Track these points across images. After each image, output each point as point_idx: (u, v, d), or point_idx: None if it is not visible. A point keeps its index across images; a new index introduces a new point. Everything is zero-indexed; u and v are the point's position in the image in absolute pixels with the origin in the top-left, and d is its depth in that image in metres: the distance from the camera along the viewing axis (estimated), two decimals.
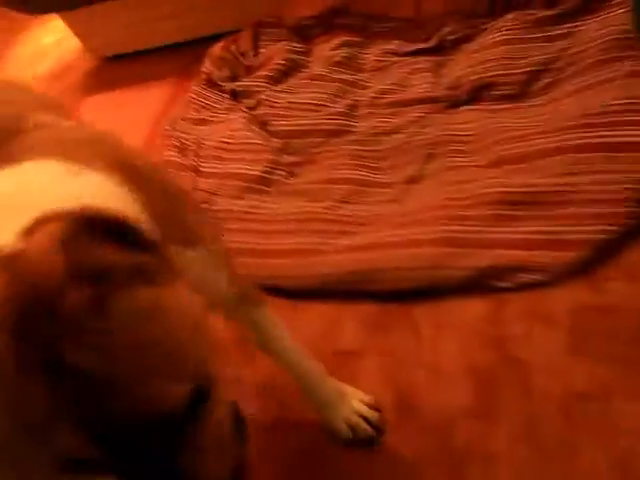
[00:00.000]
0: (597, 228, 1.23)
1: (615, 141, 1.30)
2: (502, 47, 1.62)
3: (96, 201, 0.62)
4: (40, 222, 0.56)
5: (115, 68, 2.62)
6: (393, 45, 1.83)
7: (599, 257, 1.23)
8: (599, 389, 1.08)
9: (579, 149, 1.32)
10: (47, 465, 0.54)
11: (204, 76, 2.02)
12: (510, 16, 1.67)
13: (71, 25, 2.39)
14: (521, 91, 1.54)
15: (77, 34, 2.44)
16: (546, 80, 1.53)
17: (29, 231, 0.55)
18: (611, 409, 1.05)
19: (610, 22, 1.50)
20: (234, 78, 1.99)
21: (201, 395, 0.59)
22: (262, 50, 2.01)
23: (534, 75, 1.55)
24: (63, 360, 0.51)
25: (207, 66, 2.04)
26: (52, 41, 3.06)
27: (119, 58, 2.60)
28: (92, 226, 0.53)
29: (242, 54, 2.03)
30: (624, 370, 1.09)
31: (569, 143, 1.34)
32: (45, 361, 0.51)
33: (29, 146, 0.71)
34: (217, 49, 2.06)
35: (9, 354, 0.51)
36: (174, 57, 2.41)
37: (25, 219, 0.57)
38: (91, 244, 0.53)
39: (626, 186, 1.25)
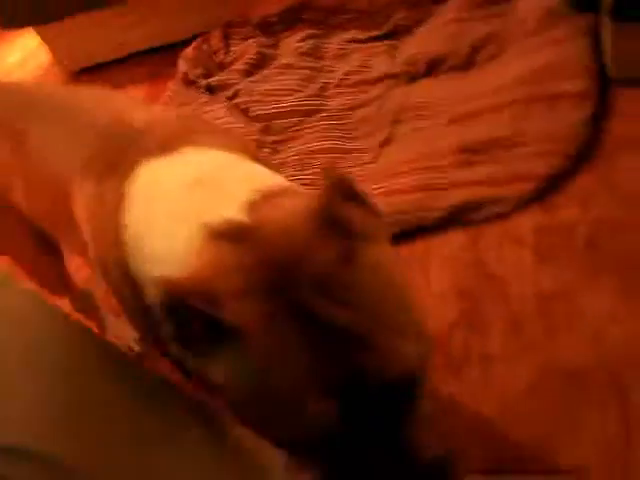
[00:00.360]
0: (545, 164, 1.42)
1: (554, 92, 1.50)
2: (449, 27, 1.81)
3: (271, 180, 0.66)
4: (264, 197, 0.59)
5: (85, 81, 2.68)
6: (351, 34, 2.01)
7: (551, 187, 1.42)
8: (564, 288, 1.26)
9: (524, 102, 1.52)
10: (291, 429, 0.53)
11: (180, 75, 2.15)
12: (453, 1, 1.87)
13: (45, 39, 2.46)
14: (469, 62, 1.74)
15: (50, 48, 2.51)
16: (489, 52, 1.73)
17: (254, 205, 0.59)
18: (576, 302, 1.23)
19: None
20: (208, 75, 2.12)
21: (424, 359, 0.57)
22: (232, 48, 2.15)
23: (478, 48, 1.74)
24: (317, 316, 0.51)
25: (182, 66, 2.16)
26: (17, 60, 3.09)
27: (88, 71, 2.66)
28: (338, 190, 0.55)
29: (214, 53, 2.16)
30: (582, 272, 1.27)
31: (515, 98, 1.54)
32: (298, 319, 0.51)
33: (168, 139, 0.72)
34: (190, 50, 2.19)
35: (262, 316, 0.51)
36: (143, 64, 2.50)
37: (236, 196, 0.60)
38: (338, 205, 0.55)
39: (566, 128, 1.45)
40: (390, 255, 0.58)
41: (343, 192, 0.56)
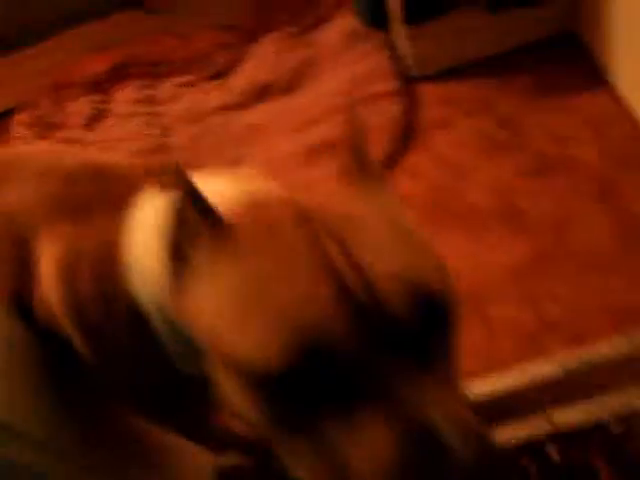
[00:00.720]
0: (380, 150, 1.63)
1: (373, 94, 1.73)
2: (269, 58, 2.00)
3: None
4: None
5: None
6: (180, 80, 2.12)
7: (389, 168, 1.62)
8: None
9: (349, 105, 1.73)
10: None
11: (18, 142, 2.11)
12: (269, 37, 2.08)
13: None
14: (293, 85, 1.93)
15: None
16: (309, 73, 1.94)
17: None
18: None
19: (344, 22, 1.97)
20: (46, 136, 2.11)
21: (450, 295, 0.53)
22: (66, 109, 2.16)
23: (299, 71, 1.95)
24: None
25: (18, 131, 2.13)
26: None
27: None
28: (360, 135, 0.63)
29: (48, 114, 2.15)
30: (431, 230, 1.45)
31: (341, 103, 1.75)
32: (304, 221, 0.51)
33: None
34: (23, 116, 2.16)
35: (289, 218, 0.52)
36: None
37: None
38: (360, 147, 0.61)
39: (389, 119, 1.68)
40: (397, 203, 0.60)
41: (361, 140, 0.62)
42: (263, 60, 2.02)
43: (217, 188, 0.59)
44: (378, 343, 0.47)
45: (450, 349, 0.53)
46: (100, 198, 0.72)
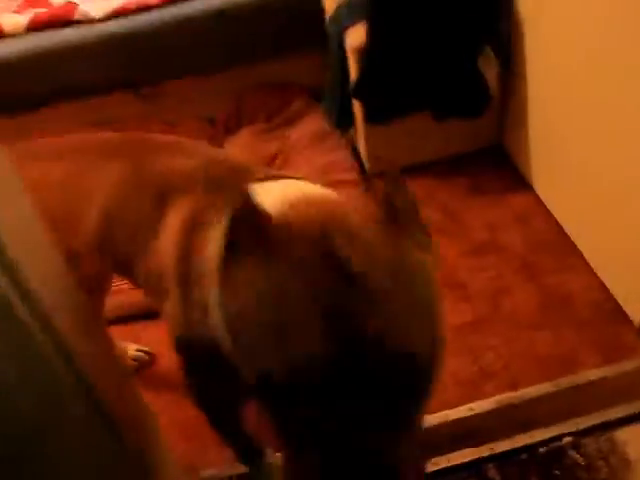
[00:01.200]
0: None
1: (336, 180, 1.93)
2: (245, 149, 2.20)
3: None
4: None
5: None
6: None
7: None
8: None
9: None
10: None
11: None
12: (246, 129, 2.28)
13: None
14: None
15: None
16: (280, 163, 2.14)
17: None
18: None
19: (313, 123, 2.20)
20: None
21: (432, 353, 0.55)
22: None
23: (270, 162, 2.14)
24: (338, 258, 0.54)
25: None
26: None
27: None
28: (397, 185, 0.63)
29: None
30: None
31: None
32: (324, 259, 0.54)
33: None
34: None
35: (296, 241, 0.57)
36: None
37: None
38: (397, 196, 0.62)
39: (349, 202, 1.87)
40: (431, 271, 0.60)
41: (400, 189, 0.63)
42: (241, 149, 2.21)
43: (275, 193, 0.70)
44: (353, 393, 0.52)
45: (416, 410, 0.57)
46: (228, 182, 0.85)
